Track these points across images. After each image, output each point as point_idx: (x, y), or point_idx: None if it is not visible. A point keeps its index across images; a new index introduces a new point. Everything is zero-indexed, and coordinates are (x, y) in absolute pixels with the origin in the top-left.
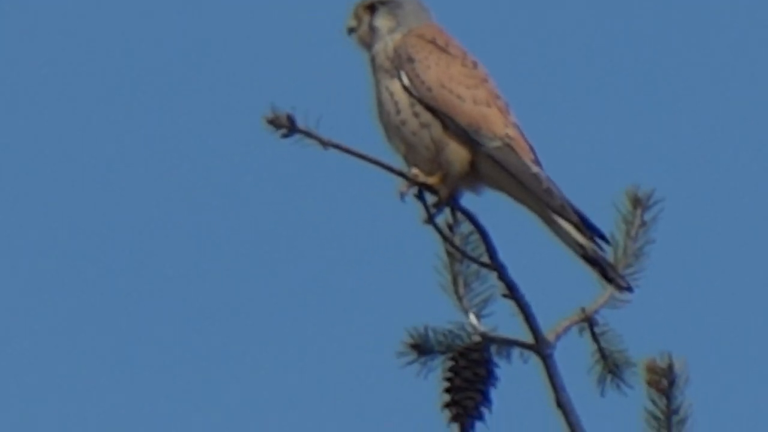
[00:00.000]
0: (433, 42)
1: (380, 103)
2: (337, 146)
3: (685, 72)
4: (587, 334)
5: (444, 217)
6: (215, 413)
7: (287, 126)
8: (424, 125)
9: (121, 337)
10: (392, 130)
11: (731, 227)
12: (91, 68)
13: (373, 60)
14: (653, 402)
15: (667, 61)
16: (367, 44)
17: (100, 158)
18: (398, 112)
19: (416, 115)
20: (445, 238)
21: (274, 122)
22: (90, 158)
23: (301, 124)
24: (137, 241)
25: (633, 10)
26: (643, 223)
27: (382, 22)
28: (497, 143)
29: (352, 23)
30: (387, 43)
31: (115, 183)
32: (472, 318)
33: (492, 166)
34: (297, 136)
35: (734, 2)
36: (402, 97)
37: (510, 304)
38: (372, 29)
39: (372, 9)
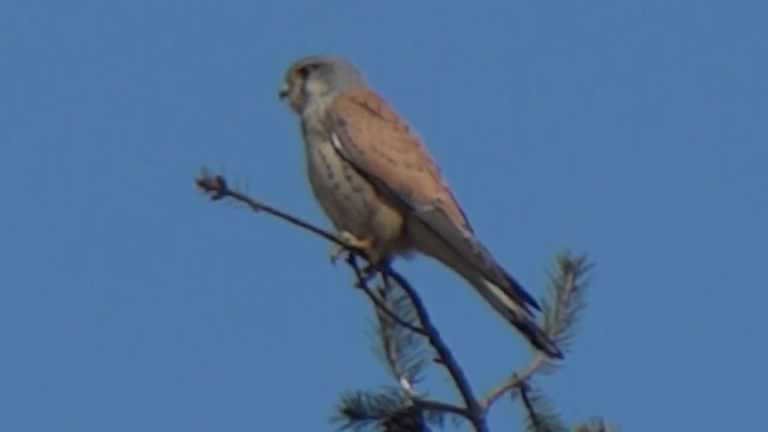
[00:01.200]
0: (364, 105)
1: (311, 166)
2: (267, 209)
3: (610, 139)
4: (519, 399)
5: (375, 282)
6: None
7: (217, 188)
8: (357, 189)
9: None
10: (324, 193)
11: (662, 291)
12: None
13: (304, 123)
14: None
15: (592, 128)
16: (299, 107)
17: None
18: (331, 175)
19: (348, 178)
20: (376, 303)
21: (204, 184)
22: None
23: (231, 186)
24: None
25: (542, 76)
26: (575, 288)
27: (314, 86)
28: (428, 207)
29: (284, 87)
30: (319, 106)
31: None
32: (405, 383)
33: (423, 230)
34: (227, 198)
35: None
36: (334, 161)
37: (442, 369)
38: (304, 93)
39: (304, 73)
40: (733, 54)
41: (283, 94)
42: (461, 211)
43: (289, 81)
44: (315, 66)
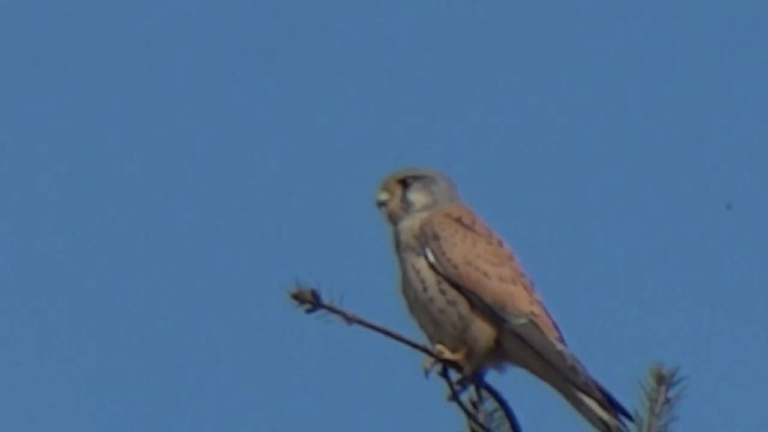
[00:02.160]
0: (459, 220)
1: (405, 281)
2: (361, 322)
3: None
4: None
5: (468, 395)
6: None
7: (311, 301)
8: (451, 302)
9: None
10: (419, 307)
11: (755, 405)
12: None
13: (397, 236)
14: None
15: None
16: (397, 217)
17: None
18: (425, 289)
19: (443, 292)
20: (469, 416)
21: (298, 297)
22: None
23: (325, 299)
24: None
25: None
26: (667, 401)
27: (417, 197)
28: (522, 320)
29: (384, 197)
30: (415, 220)
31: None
32: None
33: (517, 343)
34: (321, 311)
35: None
36: (429, 275)
37: None
38: (405, 203)
39: (404, 184)
40: None
41: (382, 204)
42: (555, 324)
43: (389, 190)
44: (416, 177)
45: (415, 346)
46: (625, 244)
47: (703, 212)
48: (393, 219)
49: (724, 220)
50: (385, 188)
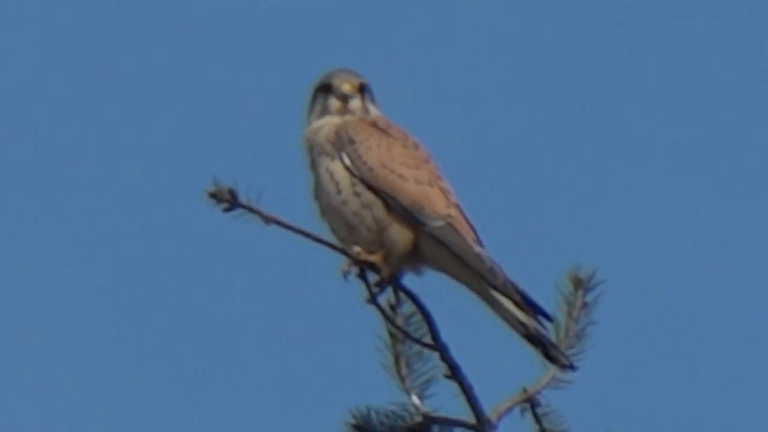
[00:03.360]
0: (373, 125)
1: (319, 184)
2: (279, 222)
3: (625, 156)
4: (529, 415)
5: (386, 298)
6: None
7: (229, 200)
8: (366, 205)
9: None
10: (331, 210)
11: (671, 307)
12: None
13: (310, 139)
14: None
15: (605, 143)
16: (341, 114)
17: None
18: (339, 192)
19: (357, 195)
20: (387, 319)
21: (216, 196)
22: None
23: (243, 198)
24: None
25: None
26: (585, 305)
27: (372, 107)
28: (440, 223)
29: (353, 91)
30: (329, 124)
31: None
32: (415, 398)
33: (434, 245)
34: (239, 211)
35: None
36: (343, 178)
37: (452, 385)
38: (365, 110)
39: (362, 89)
40: None
41: (350, 98)
42: (472, 227)
43: (354, 89)
44: (369, 88)
45: (333, 247)
46: (543, 146)
47: (620, 116)
48: (335, 114)
49: (637, 127)
50: (350, 84)
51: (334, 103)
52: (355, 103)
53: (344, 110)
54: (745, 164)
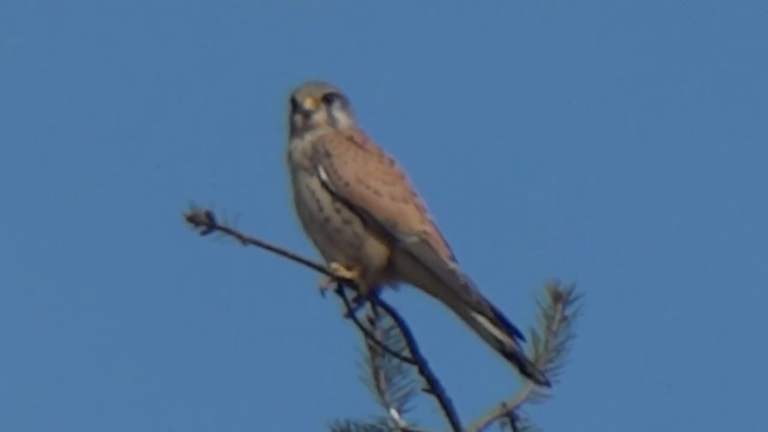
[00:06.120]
0: (350, 139)
1: (300, 200)
2: (256, 242)
3: (598, 166)
4: (509, 429)
5: (365, 312)
6: None
7: (206, 223)
8: (347, 221)
9: None
10: (314, 226)
11: (652, 321)
12: None
13: (289, 155)
14: None
15: (581, 153)
16: (305, 132)
17: None
18: (321, 209)
19: (338, 211)
20: (366, 333)
21: (193, 219)
22: None
23: (220, 220)
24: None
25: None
26: (564, 318)
27: (340, 114)
28: (414, 239)
29: (311, 106)
30: (306, 140)
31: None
32: (394, 412)
33: (409, 261)
34: (216, 233)
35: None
36: (323, 195)
37: (431, 399)
38: (331, 119)
39: (327, 99)
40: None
41: (309, 113)
42: (447, 243)
43: (315, 102)
44: (337, 95)
45: (310, 264)
46: (518, 157)
47: (596, 125)
48: (303, 131)
49: (619, 139)
50: (312, 98)
51: (297, 119)
52: (318, 116)
53: (306, 126)
54: (724, 176)
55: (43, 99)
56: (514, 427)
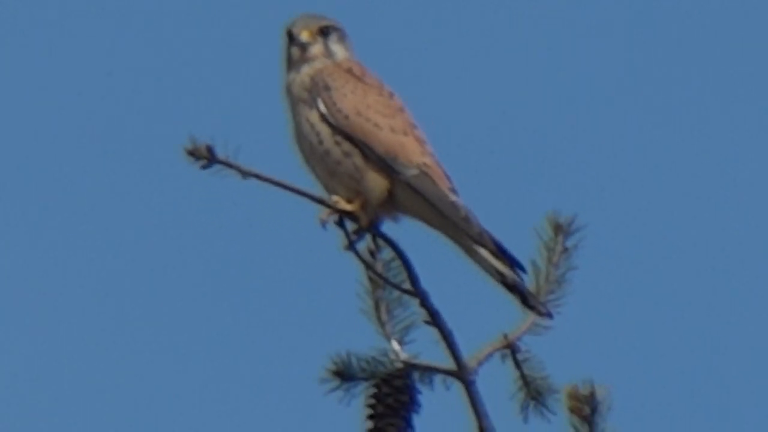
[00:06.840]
0: (349, 71)
1: (300, 133)
2: (257, 176)
3: (608, 103)
4: (510, 361)
5: (365, 244)
6: None
7: (206, 157)
8: (347, 154)
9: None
10: (315, 159)
11: (653, 254)
12: None
13: (288, 88)
14: (575, 429)
15: (582, 85)
16: (304, 63)
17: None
18: (321, 142)
19: (338, 144)
20: (366, 265)
21: (193, 153)
22: None
23: (220, 154)
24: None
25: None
26: (565, 250)
27: (337, 47)
28: (414, 171)
29: (308, 38)
30: (304, 72)
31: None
32: (395, 344)
33: (410, 194)
34: (217, 167)
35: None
36: (323, 128)
37: (432, 331)
38: (329, 51)
39: (325, 32)
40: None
41: (306, 45)
42: (447, 175)
43: (311, 34)
44: (335, 28)
45: (310, 197)
46: (519, 91)
47: (597, 60)
48: (300, 64)
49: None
50: (308, 31)
51: (294, 51)
52: (315, 49)
53: (303, 58)
54: (726, 108)
55: (37, 46)
56: (515, 359)
